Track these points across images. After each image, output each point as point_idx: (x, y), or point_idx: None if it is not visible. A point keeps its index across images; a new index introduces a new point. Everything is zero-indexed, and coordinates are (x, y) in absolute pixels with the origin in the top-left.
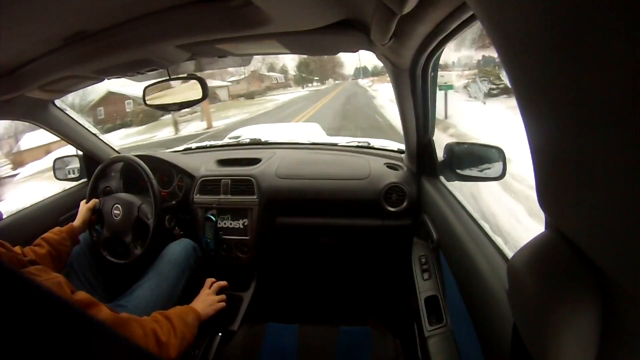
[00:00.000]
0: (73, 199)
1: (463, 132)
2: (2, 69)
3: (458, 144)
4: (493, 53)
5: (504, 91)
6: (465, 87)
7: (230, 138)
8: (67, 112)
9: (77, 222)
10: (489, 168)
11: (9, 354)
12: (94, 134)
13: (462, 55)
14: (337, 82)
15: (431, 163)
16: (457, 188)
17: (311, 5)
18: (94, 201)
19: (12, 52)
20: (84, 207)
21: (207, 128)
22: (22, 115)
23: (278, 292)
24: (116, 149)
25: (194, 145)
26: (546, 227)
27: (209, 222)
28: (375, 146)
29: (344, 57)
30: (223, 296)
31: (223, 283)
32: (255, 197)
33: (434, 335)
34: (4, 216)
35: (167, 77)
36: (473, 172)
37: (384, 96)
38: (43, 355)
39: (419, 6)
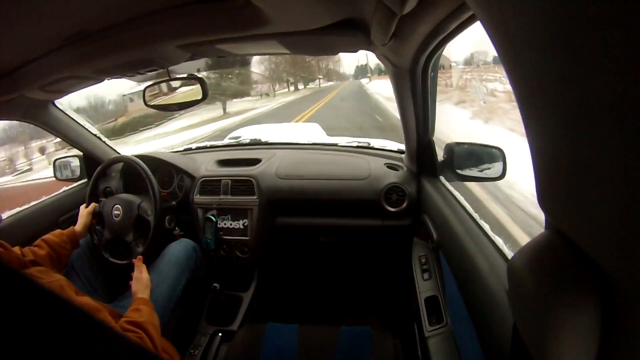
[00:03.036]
0: (73, 200)
1: None
2: (2, 69)
3: (458, 144)
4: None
5: None
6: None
7: (230, 138)
8: (67, 112)
9: (78, 227)
10: (489, 168)
11: (10, 354)
12: (94, 134)
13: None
14: (330, 83)
15: (431, 163)
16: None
17: (311, 6)
18: (93, 205)
19: (12, 52)
20: (84, 211)
21: None
22: (22, 116)
23: (278, 292)
24: (116, 149)
25: (194, 146)
26: (546, 227)
27: (209, 223)
28: (375, 146)
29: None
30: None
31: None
32: (255, 197)
33: (434, 336)
34: (4, 217)
35: (167, 77)
36: (473, 172)
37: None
38: (44, 355)
39: (419, 6)
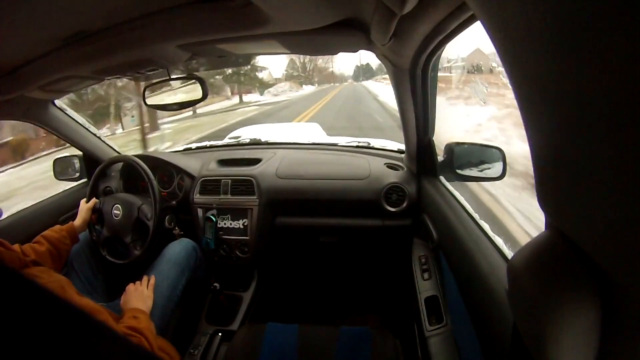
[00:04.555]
0: (73, 199)
1: None
2: (2, 69)
3: (458, 144)
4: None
5: None
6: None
7: (230, 138)
8: (67, 112)
9: (78, 221)
10: (489, 168)
11: (10, 355)
12: (94, 134)
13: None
14: (309, 89)
15: (431, 163)
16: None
17: (311, 6)
18: (94, 201)
19: (12, 52)
20: (84, 206)
21: None
22: (22, 115)
23: (278, 292)
24: (116, 148)
25: (194, 146)
26: (546, 227)
27: (209, 222)
28: (376, 146)
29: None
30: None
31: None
32: (255, 197)
33: (434, 336)
34: (4, 216)
35: (167, 77)
36: (473, 172)
37: None
38: (44, 356)
39: (419, 6)
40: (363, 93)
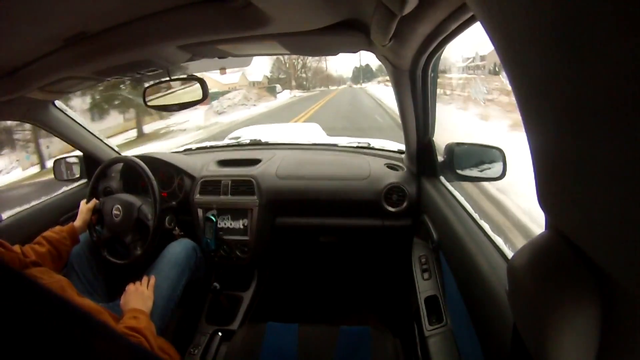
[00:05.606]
0: (73, 200)
1: None
2: (2, 69)
3: (458, 144)
4: None
5: None
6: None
7: (230, 139)
8: (67, 112)
9: (78, 222)
10: (489, 168)
11: (10, 355)
12: (94, 135)
13: None
14: (282, 97)
15: (431, 163)
16: None
17: (311, 6)
18: (94, 201)
19: (13, 53)
20: (84, 207)
21: None
22: (22, 116)
23: (278, 292)
24: (116, 149)
25: (194, 146)
26: (546, 227)
27: (209, 223)
28: (376, 146)
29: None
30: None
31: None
32: (255, 197)
33: (434, 335)
34: (4, 217)
35: (167, 78)
36: (473, 172)
37: None
38: (45, 356)
39: (419, 7)
40: (367, 108)
